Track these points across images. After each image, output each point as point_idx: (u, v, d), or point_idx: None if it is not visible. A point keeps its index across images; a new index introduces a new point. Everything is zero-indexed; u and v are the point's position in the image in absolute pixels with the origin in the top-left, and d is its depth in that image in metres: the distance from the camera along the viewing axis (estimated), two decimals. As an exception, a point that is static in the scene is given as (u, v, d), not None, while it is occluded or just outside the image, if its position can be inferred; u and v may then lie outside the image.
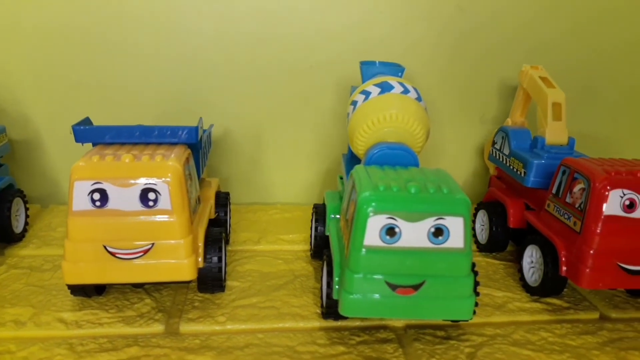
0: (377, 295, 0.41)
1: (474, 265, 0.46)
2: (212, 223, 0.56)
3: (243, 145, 0.72)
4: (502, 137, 0.64)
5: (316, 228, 0.56)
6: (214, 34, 0.67)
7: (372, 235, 0.41)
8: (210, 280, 0.48)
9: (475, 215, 0.65)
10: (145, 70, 0.68)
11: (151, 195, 0.43)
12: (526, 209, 0.59)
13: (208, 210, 0.52)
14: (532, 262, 0.54)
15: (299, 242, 0.63)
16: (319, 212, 0.57)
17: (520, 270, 0.55)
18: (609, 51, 0.75)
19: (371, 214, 0.40)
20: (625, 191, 0.46)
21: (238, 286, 0.52)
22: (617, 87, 0.77)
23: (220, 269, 0.48)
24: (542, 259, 0.51)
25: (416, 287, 0.41)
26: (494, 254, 0.62)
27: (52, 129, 0.69)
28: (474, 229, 0.65)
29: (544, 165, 0.56)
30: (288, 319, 0.48)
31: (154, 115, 0.68)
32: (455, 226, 0.41)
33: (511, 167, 0.61)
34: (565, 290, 0.54)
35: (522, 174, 0.58)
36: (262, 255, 0.59)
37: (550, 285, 0.51)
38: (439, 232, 0.41)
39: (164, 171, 0.43)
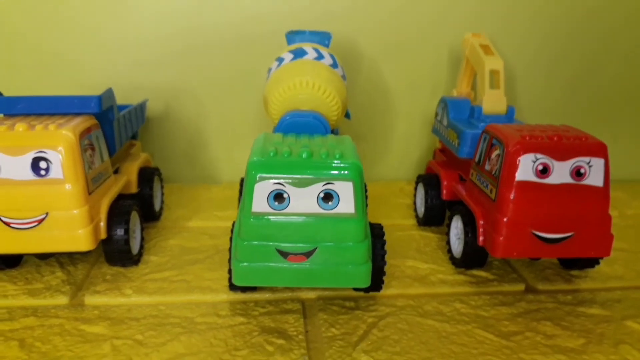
0: (268, 263, 0.40)
1: (383, 234, 0.44)
2: (137, 199, 0.56)
3: (185, 121, 0.71)
4: (442, 108, 0.62)
5: (239, 200, 0.55)
6: (153, 7, 0.66)
7: (260, 201, 0.39)
8: (117, 252, 0.47)
9: (415, 189, 0.63)
10: (84, 46, 0.67)
11: (42, 164, 0.42)
12: (461, 180, 0.57)
13: (121, 183, 0.51)
14: (457, 233, 0.52)
15: (234, 218, 0.62)
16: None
17: (448, 242, 0.53)
18: (569, 20, 0.72)
19: (258, 179, 0.39)
20: (538, 155, 0.44)
21: (155, 260, 0.52)
22: (575, 57, 0.74)
23: (126, 241, 0.47)
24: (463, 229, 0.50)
25: (308, 254, 0.40)
26: (432, 227, 0.60)
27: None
28: (415, 202, 0.63)
29: (477, 136, 0.54)
30: (196, 292, 0.47)
31: (93, 91, 0.67)
32: (345, 191, 0.39)
33: (448, 138, 0.59)
34: (495, 262, 0.53)
35: (457, 145, 0.56)
36: (189, 231, 0.58)
37: (471, 257, 0.49)
38: (328, 197, 0.39)
39: (55, 140, 0.42)
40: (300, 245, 0.40)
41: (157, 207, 0.60)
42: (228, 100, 0.71)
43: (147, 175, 0.58)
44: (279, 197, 0.39)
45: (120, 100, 0.61)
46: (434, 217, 0.59)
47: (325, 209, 0.39)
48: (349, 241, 0.40)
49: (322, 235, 0.40)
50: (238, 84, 0.70)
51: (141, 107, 0.62)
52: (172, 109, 0.70)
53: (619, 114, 0.77)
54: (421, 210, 0.61)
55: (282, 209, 0.39)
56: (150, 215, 0.58)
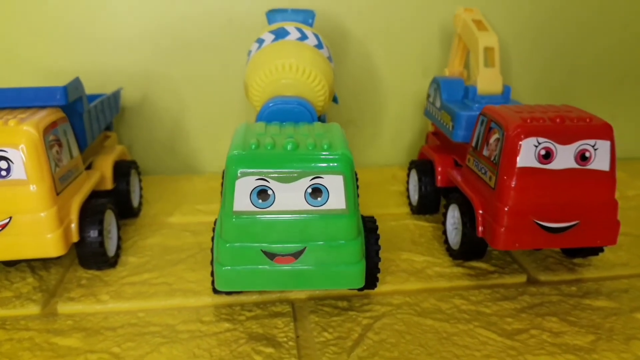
0: (253, 266, 0.37)
1: (376, 228, 0.41)
2: (112, 196, 0.52)
3: (164, 111, 0.67)
4: (435, 89, 0.59)
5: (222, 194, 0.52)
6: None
7: (242, 199, 0.36)
8: (91, 255, 0.44)
9: (408, 175, 0.60)
10: (51, 33, 0.63)
11: (3, 164, 0.39)
12: (456, 166, 0.54)
13: (94, 179, 0.48)
14: (454, 223, 0.49)
15: (218, 212, 0.58)
16: (227, 178, 0.53)
17: (444, 232, 0.50)
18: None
19: (239, 175, 0.36)
20: (540, 139, 0.41)
21: (133, 262, 0.48)
22: (570, 34, 0.71)
23: (101, 243, 0.44)
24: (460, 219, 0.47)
25: (296, 255, 0.37)
26: (426, 216, 0.58)
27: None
28: (408, 190, 0.60)
29: (473, 118, 0.51)
30: (178, 296, 0.44)
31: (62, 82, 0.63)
32: (335, 185, 0.36)
33: (442, 121, 0.56)
34: (495, 252, 0.50)
35: (451, 128, 0.53)
36: (170, 228, 0.55)
37: (469, 248, 0.46)
38: (316, 192, 0.36)
39: (16, 137, 0.39)
40: (288, 245, 0.37)
41: (135, 202, 0.56)
42: (209, 86, 0.67)
43: (123, 170, 0.54)
44: (262, 193, 0.36)
45: (93, 89, 0.57)
46: (428, 205, 0.57)
47: (313, 205, 0.36)
48: (340, 239, 0.37)
49: (311, 233, 0.36)
50: (219, 69, 0.66)
51: (114, 97, 0.58)
52: (149, 97, 0.66)
53: (617, 90, 0.75)
54: (415, 198, 0.58)
55: (267, 207, 0.36)
56: (127, 212, 0.55)
